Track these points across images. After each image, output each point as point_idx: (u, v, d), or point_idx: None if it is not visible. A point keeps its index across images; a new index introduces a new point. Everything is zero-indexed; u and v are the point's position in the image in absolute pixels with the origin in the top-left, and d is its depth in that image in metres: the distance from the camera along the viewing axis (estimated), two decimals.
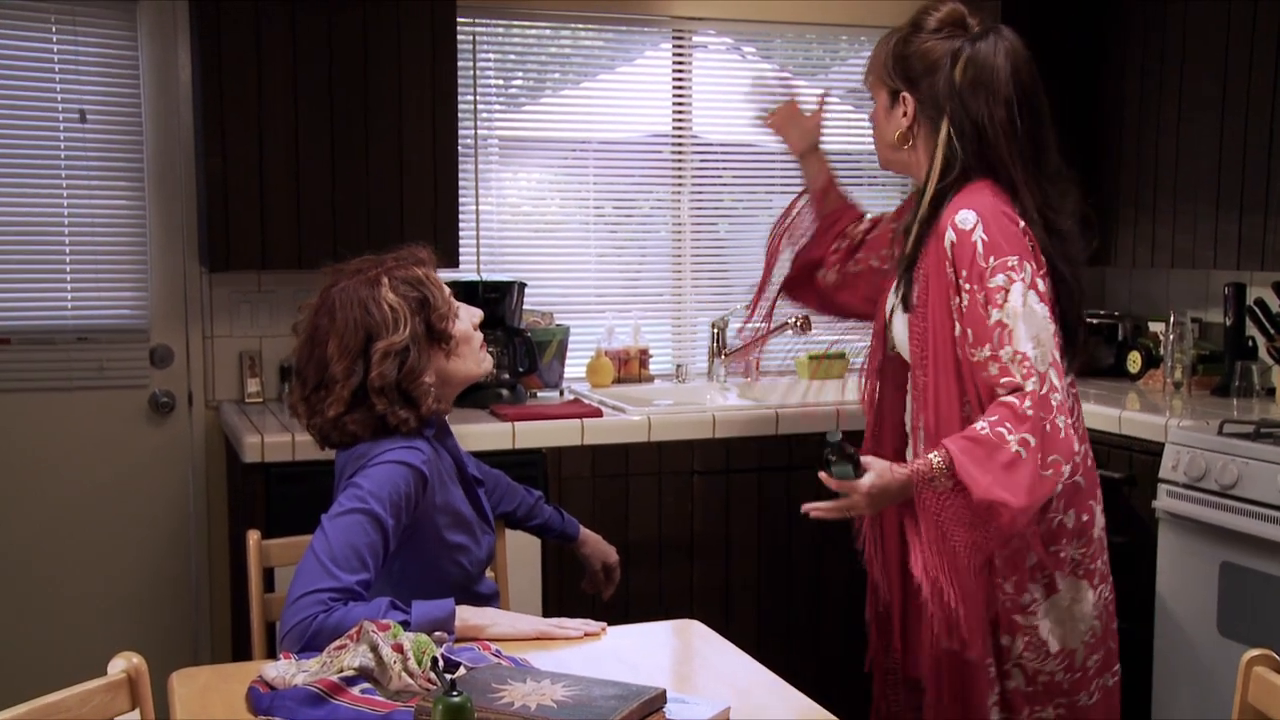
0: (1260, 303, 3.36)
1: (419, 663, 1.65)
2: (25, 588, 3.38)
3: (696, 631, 2.06)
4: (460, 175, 3.43)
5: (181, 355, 3.51)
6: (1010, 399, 2.04)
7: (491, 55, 3.76)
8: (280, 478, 2.96)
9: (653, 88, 3.92)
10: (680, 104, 3.94)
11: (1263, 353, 3.46)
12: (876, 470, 2.09)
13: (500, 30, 3.76)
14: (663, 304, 4.02)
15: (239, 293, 3.51)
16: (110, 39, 3.38)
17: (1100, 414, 3.20)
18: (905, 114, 2.24)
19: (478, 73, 3.69)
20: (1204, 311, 3.76)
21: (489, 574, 2.27)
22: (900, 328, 2.28)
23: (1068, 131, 3.72)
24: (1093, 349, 3.82)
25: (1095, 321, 3.89)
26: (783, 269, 2.80)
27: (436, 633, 1.79)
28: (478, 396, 3.32)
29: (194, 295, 3.49)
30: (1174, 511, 2.96)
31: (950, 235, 2.12)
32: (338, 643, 1.73)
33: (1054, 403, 2.05)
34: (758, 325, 2.89)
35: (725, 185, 4.05)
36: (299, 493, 2.91)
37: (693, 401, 3.65)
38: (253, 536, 2.26)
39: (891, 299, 2.36)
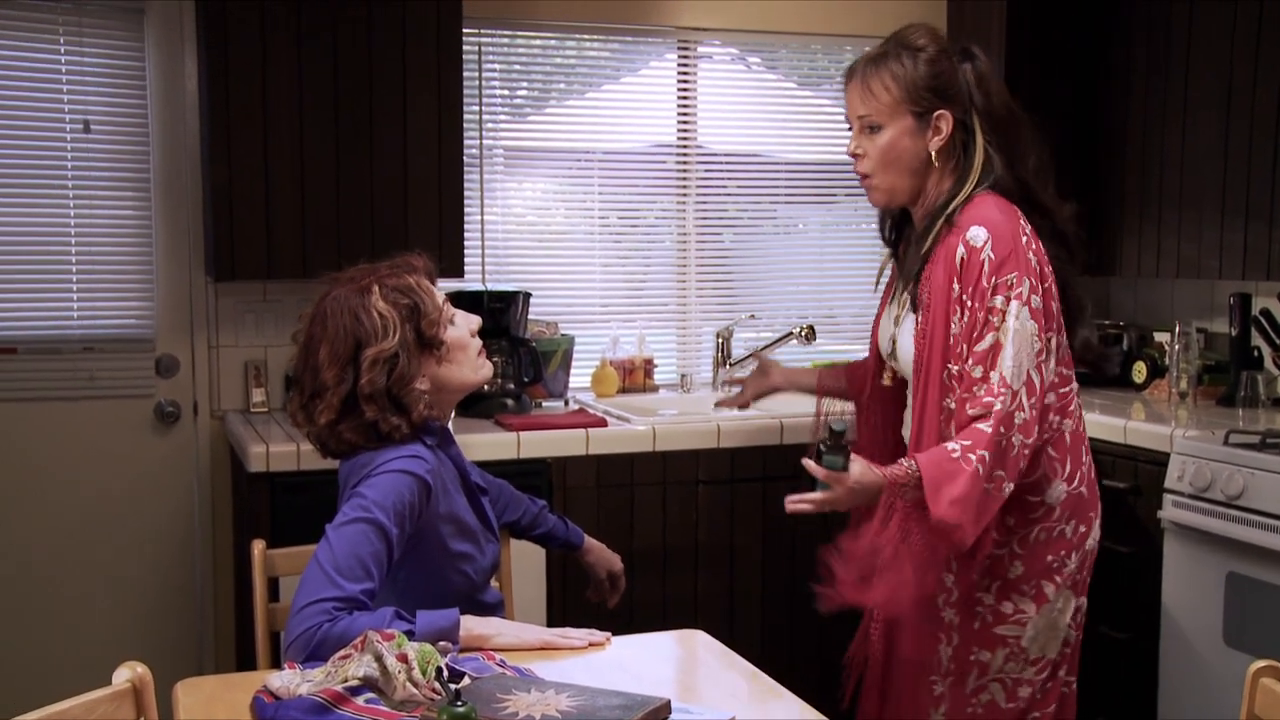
0: (1266, 313, 3.36)
1: (424, 672, 1.64)
2: (31, 596, 3.39)
3: (701, 641, 2.05)
4: (465, 185, 3.44)
5: (187, 365, 3.51)
6: (979, 424, 2.10)
7: (497, 65, 3.77)
8: (285, 487, 2.96)
9: (658, 98, 3.93)
10: (685, 114, 3.95)
11: (1268, 363, 3.45)
12: (861, 466, 2.12)
13: (505, 40, 3.77)
14: (667, 314, 4.02)
15: (244, 302, 3.51)
16: (117, 49, 3.39)
17: (1106, 424, 3.20)
18: (941, 133, 2.23)
19: (483, 83, 3.70)
20: (1209, 321, 3.75)
21: (494, 583, 2.27)
22: (907, 335, 2.28)
23: (1072, 140, 3.77)
24: (1099, 353, 3.83)
25: (1101, 332, 3.89)
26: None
27: (441, 642, 1.79)
28: (482, 406, 3.32)
29: (199, 305, 3.50)
30: (1179, 522, 2.95)
31: (961, 251, 2.16)
32: (342, 652, 1.73)
33: (1016, 421, 2.11)
34: None
35: (730, 195, 4.05)
36: (303, 502, 2.91)
37: (697, 411, 3.65)
38: (257, 546, 2.26)
39: (892, 309, 2.38)
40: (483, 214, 3.72)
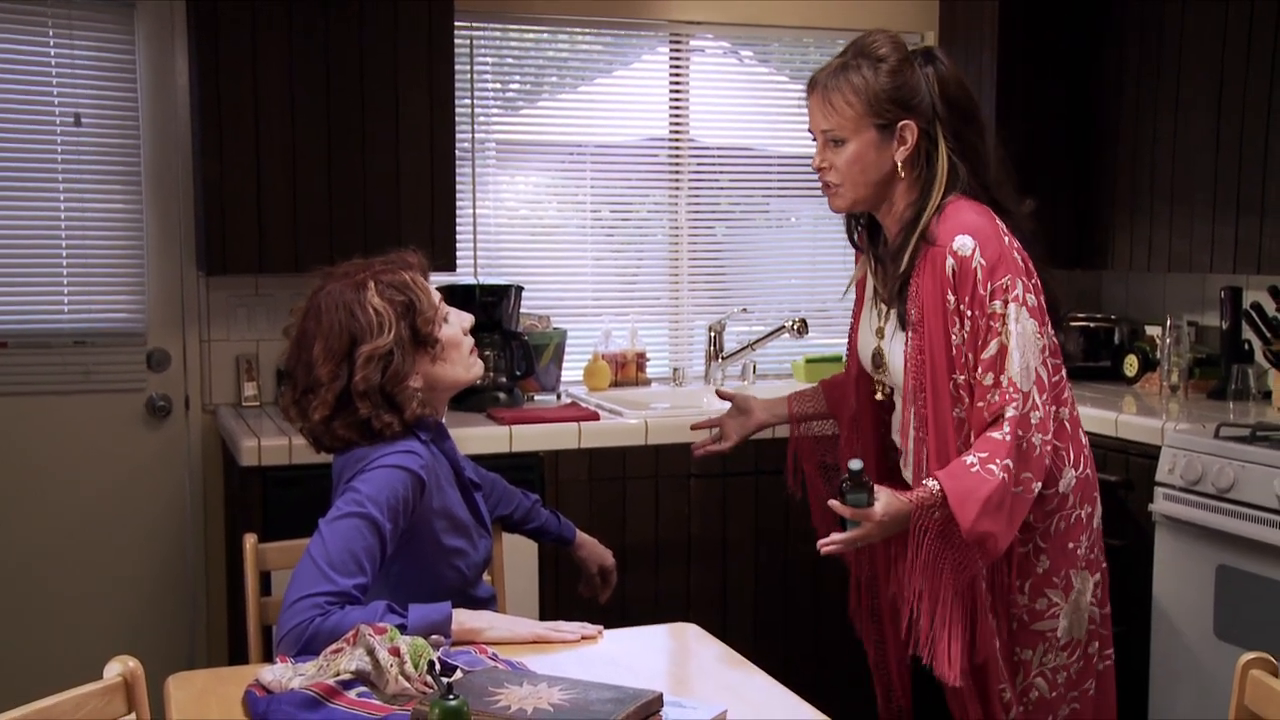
0: (1256, 306, 3.36)
1: (415, 666, 1.65)
2: (22, 591, 3.38)
3: (693, 635, 2.06)
4: (457, 179, 3.43)
5: (178, 359, 3.50)
6: (992, 432, 2.11)
7: (489, 59, 3.76)
8: (277, 481, 2.96)
9: (650, 91, 3.93)
10: (677, 108, 3.94)
11: (1259, 356, 3.46)
12: (886, 497, 2.11)
13: (497, 34, 3.76)
14: (660, 307, 4.02)
15: (236, 296, 3.51)
16: (107, 43, 3.38)
17: (1097, 417, 3.21)
18: (903, 144, 2.21)
19: (475, 76, 3.70)
20: (1200, 315, 3.76)
21: (486, 578, 2.27)
22: (899, 352, 2.28)
23: (1065, 135, 3.77)
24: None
25: (1092, 325, 3.90)
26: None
27: (433, 636, 1.79)
28: (475, 400, 3.32)
29: (191, 299, 3.49)
30: (1171, 515, 2.96)
31: (950, 262, 2.15)
32: (334, 646, 1.73)
33: (1033, 421, 2.13)
34: None
35: (722, 189, 4.05)
36: (296, 496, 2.91)
37: (690, 405, 3.65)
38: (249, 540, 2.25)
39: (871, 321, 2.37)
40: (474, 207, 3.71)
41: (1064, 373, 2.29)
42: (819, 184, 2.31)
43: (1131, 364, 3.76)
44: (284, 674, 1.69)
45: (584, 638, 1.97)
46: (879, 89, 2.19)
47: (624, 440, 3.23)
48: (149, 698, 1.56)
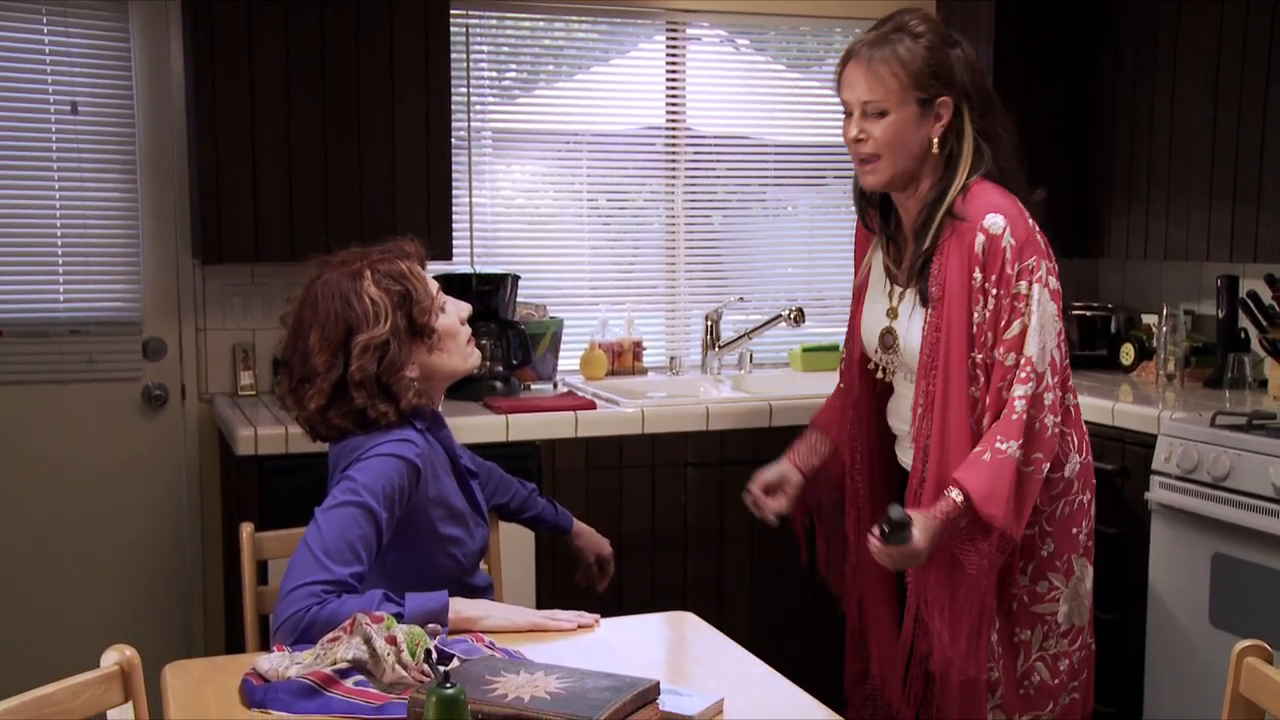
0: (1253, 295, 3.37)
1: (412, 655, 1.65)
2: (18, 580, 3.38)
3: (690, 623, 2.06)
4: (454, 168, 3.42)
5: (174, 348, 3.50)
6: (1007, 414, 2.14)
7: (485, 47, 3.75)
8: (273, 470, 2.95)
9: (647, 80, 3.92)
10: (674, 96, 3.94)
11: (1255, 345, 3.46)
12: (921, 527, 2.12)
13: (494, 22, 3.75)
14: (656, 296, 4.02)
15: (232, 285, 3.50)
16: (102, 31, 3.37)
17: (1094, 406, 3.21)
18: (942, 120, 2.24)
19: (471, 65, 3.69)
20: (1197, 304, 3.76)
21: (483, 566, 2.27)
22: (915, 328, 2.27)
23: (1062, 124, 3.76)
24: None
25: (1089, 314, 3.91)
26: None
27: (430, 625, 1.80)
28: (471, 389, 3.32)
29: (186, 288, 3.49)
30: (1166, 503, 2.97)
31: (980, 239, 2.17)
32: (331, 635, 1.73)
33: (1045, 402, 2.15)
34: None
35: (719, 178, 4.05)
36: (292, 485, 2.91)
37: (686, 394, 3.65)
38: (246, 529, 2.25)
39: (879, 302, 2.37)
40: (471, 196, 3.71)
41: (1069, 359, 2.31)
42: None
43: (1128, 352, 3.76)
44: (281, 662, 1.69)
45: (581, 626, 1.97)
46: (922, 63, 2.20)
47: (621, 429, 3.23)
48: (146, 686, 1.56)
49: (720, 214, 4.07)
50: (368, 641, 1.64)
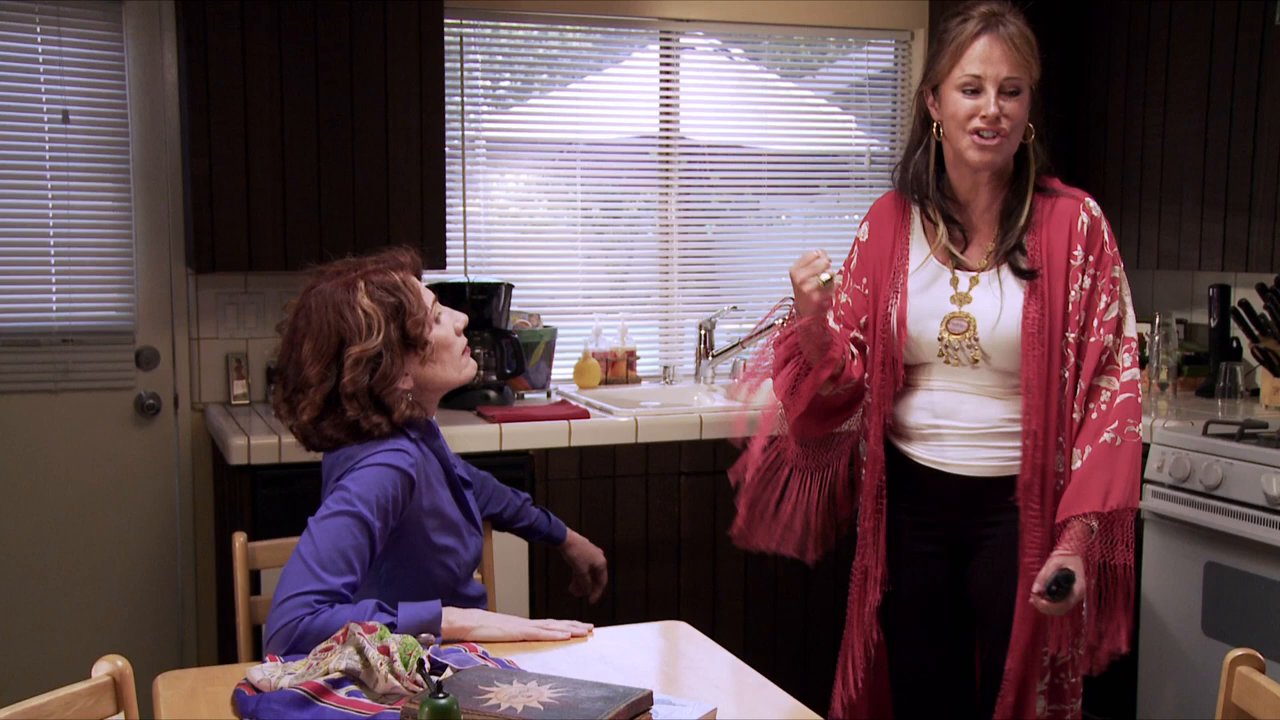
0: (1245, 304, 3.38)
1: (405, 665, 1.64)
2: (10, 590, 3.37)
3: (683, 633, 2.06)
4: (447, 176, 3.43)
5: (167, 357, 3.50)
6: (1128, 394, 2.20)
7: (479, 56, 3.76)
8: (266, 480, 2.95)
9: (640, 89, 3.93)
10: (668, 105, 3.94)
11: (1247, 354, 3.47)
12: (1076, 568, 2.17)
13: (488, 31, 3.76)
14: (650, 305, 4.02)
15: (225, 294, 3.50)
16: (95, 39, 3.37)
17: None
18: (1032, 100, 2.26)
19: (465, 74, 3.69)
20: (1189, 313, 3.77)
21: (476, 576, 2.27)
22: (1012, 310, 2.23)
23: (1052, 135, 3.76)
24: None
25: None
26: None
27: (423, 634, 1.79)
28: (465, 398, 3.32)
29: (180, 297, 3.48)
30: (1159, 512, 2.97)
31: (1085, 218, 2.22)
32: (324, 645, 1.72)
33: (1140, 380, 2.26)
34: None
35: (712, 186, 4.05)
36: (285, 495, 2.91)
37: (680, 403, 3.65)
38: (238, 539, 2.25)
39: (945, 290, 2.29)
40: (465, 205, 3.71)
41: None
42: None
43: None
44: (273, 673, 1.68)
45: (574, 636, 1.96)
46: (1033, 47, 2.22)
47: (614, 438, 3.23)
48: (138, 697, 1.56)
49: (714, 223, 4.07)
50: (360, 651, 1.64)
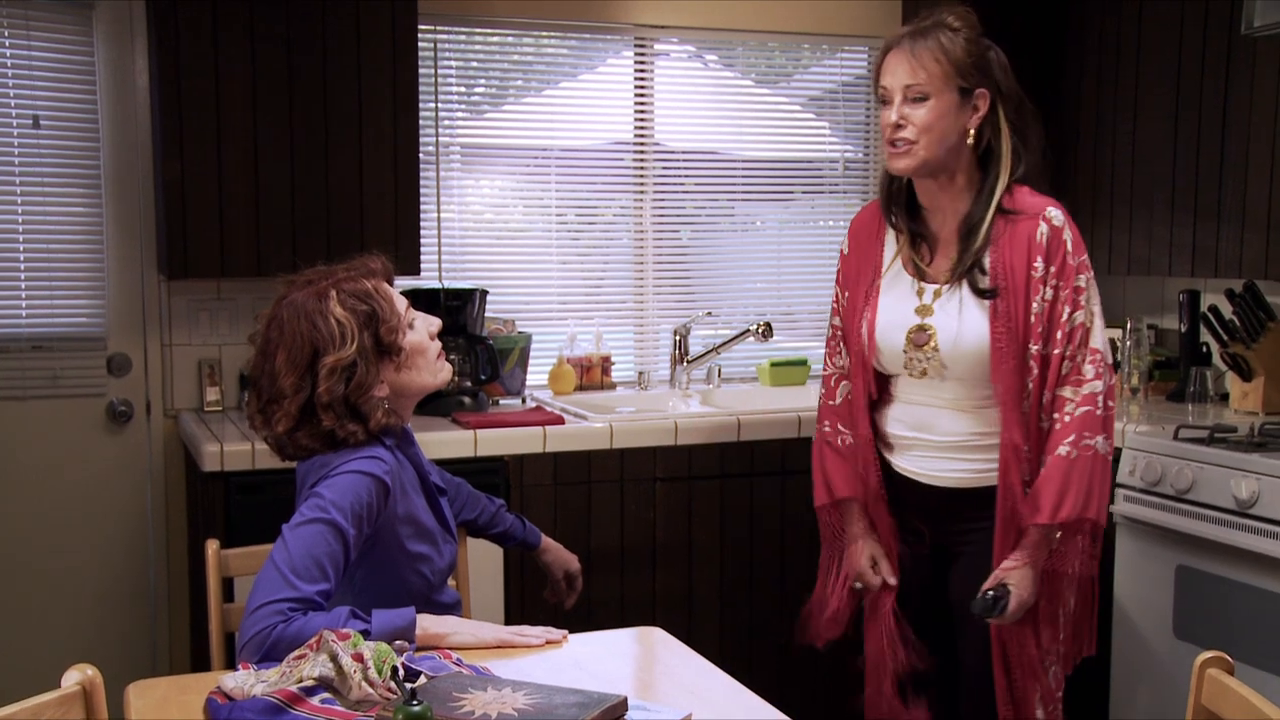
0: (1214, 309, 3.41)
1: (379, 672, 1.64)
2: None
3: (658, 639, 2.06)
4: (422, 182, 3.42)
5: (139, 363, 3.47)
6: (1087, 407, 2.20)
7: (453, 62, 3.75)
8: (240, 487, 2.93)
9: (615, 95, 3.93)
10: (642, 111, 3.95)
11: (1217, 359, 3.51)
12: (1018, 583, 2.22)
13: (462, 37, 3.75)
14: (625, 311, 4.02)
15: (198, 300, 3.48)
16: (65, 43, 3.34)
17: None
18: (979, 111, 2.28)
19: (439, 79, 3.68)
20: (1160, 318, 3.81)
21: (451, 583, 2.26)
22: (974, 325, 2.26)
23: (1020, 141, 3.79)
24: None
25: None
26: None
27: (397, 641, 1.79)
28: (440, 404, 3.31)
29: (152, 303, 3.46)
30: (1131, 516, 2.99)
31: (1043, 229, 2.23)
32: (297, 652, 1.72)
33: (1115, 394, 2.28)
34: None
35: (687, 193, 4.06)
36: (259, 502, 2.89)
37: (655, 409, 3.65)
38: (211, 546, 2.24)
39: (905, 303, 2.34)
40: (439, 211, 3.70)
41: None
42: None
43: None
44: (246, 681, 1.67)
45: (549, 642, 1.96)
46: (963, 52, 2.26)
47: (589, 444, 3.23)
48: (109, 706, 1.54)
49: (689, 229, 4.08)
50: (334, 659, 1.63)
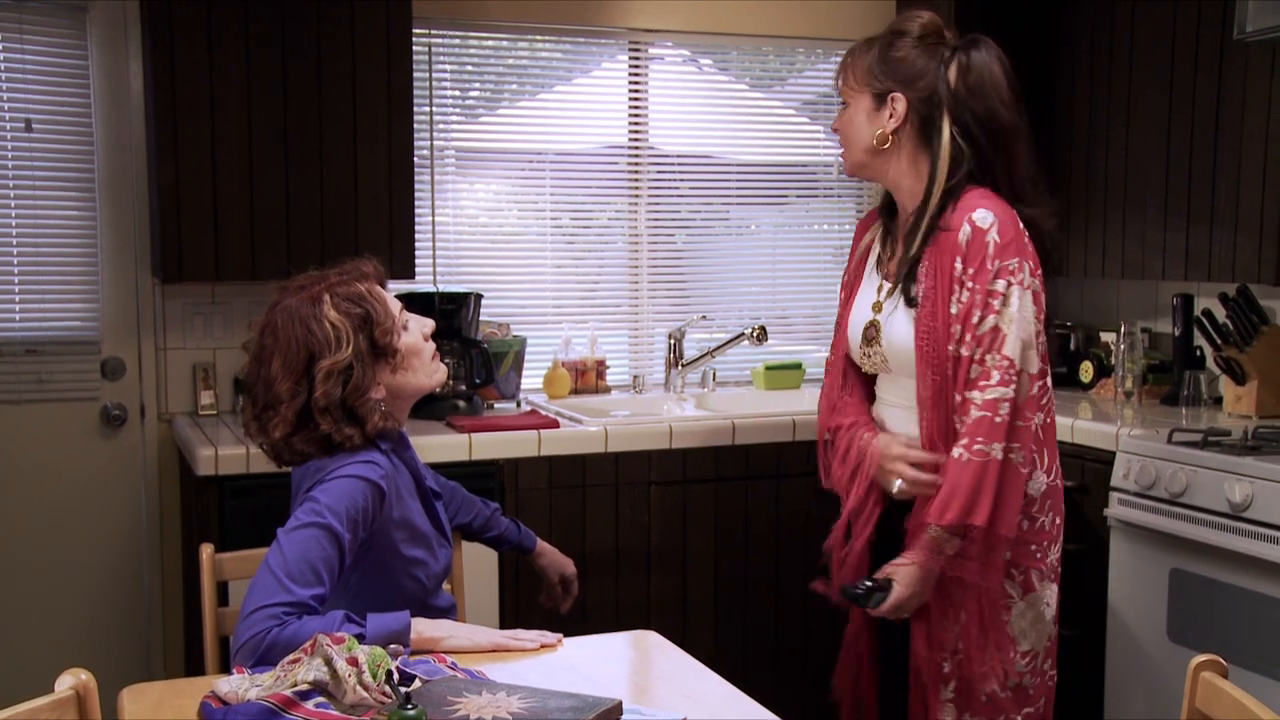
0: (1207, 313, 3.41)
1: (374, 676, 1.64)
2: None
3: (653, 642, 2.06)
4: (416, 186, 3.42)
5: (134, 367, 3.47)
6: (985, 413, 2.16)
7: (448, 66, 3.75)
8: (234, 491, 2.93)
9: (609, 99, 3.93)
10: (637, 115, 3.95)
11: (1210, 362, 3.51)
12: (902, 580, 2.20)
13: (457, 41, 3.75)
14: (620, 315, 4.02)
15: (192, 304, 3.47)
16: (59, 47, 3.34)
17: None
18: (893, 115, 2.30)
19: (434, 83, 3.69)
20: (1153, 322, 3.81)
21: (446, 587, 2.26)
22: (902, 327, 2.29)
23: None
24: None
25: (1048, 332, 3.95)
26: None
27: (392, 645, 1.79)
28: (434, 408, 3.31)
29: (146, 306, 3.46)
30: (1125, 519, 3.00)
31: (965, 230, 2.21)
32: (291, 656, 1.71)
33: (1019, 402, 2.19)
34: None
35: (682, 196, 4.06)
36: (253, 506, 2.89)
37: (650, 412, 3.65)
38: (206, 550, 2.23)
39: (868, 294, 2.39)
40: (434, 215, 3.70)
41: (1049, 379, 2.32)
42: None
43: (1087, 370, 3.80)
44: (240, 685, 1.67)
45: (543, 646, 1.96)
46: (872, 59, 2.30)
47: (584, 448, 3.23)
48: (102, 710, 1.54)
49: (683, 233, 4.08)
50: (329, 663, 1.63)
